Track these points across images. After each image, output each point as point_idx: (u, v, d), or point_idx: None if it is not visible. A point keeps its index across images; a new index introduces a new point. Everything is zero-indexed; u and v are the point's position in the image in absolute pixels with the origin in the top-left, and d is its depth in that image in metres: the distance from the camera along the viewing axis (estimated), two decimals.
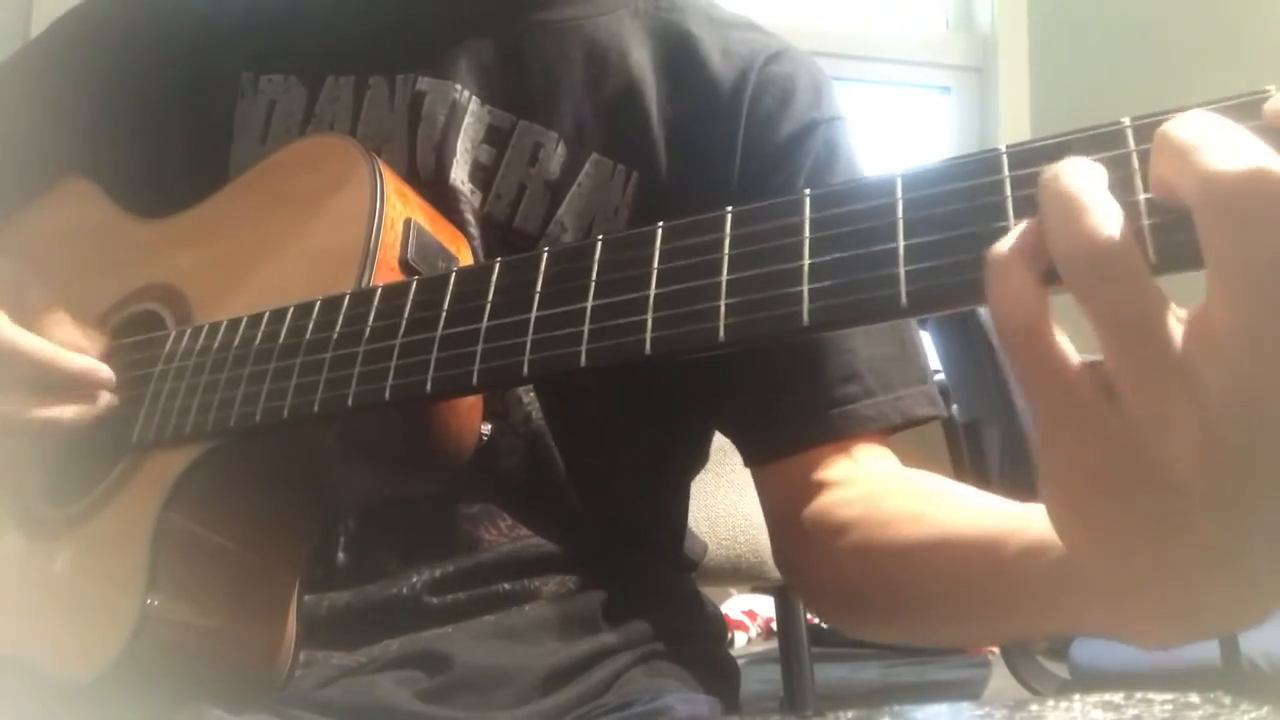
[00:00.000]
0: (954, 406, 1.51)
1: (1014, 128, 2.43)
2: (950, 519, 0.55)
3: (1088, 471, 0.36)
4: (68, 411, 0.60)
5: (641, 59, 0.74)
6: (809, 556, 0.67)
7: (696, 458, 0.81)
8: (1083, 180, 0.34)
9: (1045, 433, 0.36)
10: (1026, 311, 0.34)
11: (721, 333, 0.41)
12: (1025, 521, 0.48)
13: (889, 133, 2.50)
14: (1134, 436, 0.34)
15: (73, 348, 0.62)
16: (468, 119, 0.71)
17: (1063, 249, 0.33)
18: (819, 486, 0.67)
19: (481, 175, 0.71)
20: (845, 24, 2.52)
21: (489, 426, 0.66)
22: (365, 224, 0.57)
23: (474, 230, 0.69)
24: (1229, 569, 0.35)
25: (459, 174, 0.70)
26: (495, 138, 0.71)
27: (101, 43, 0.79)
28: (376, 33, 0.75)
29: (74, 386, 0.61)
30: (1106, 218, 0.33)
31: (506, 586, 0.68)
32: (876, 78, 2.52)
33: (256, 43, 0.76)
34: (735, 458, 0.75)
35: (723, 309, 0.41)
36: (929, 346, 1.29)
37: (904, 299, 0.38)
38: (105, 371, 0.62)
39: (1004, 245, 0.35)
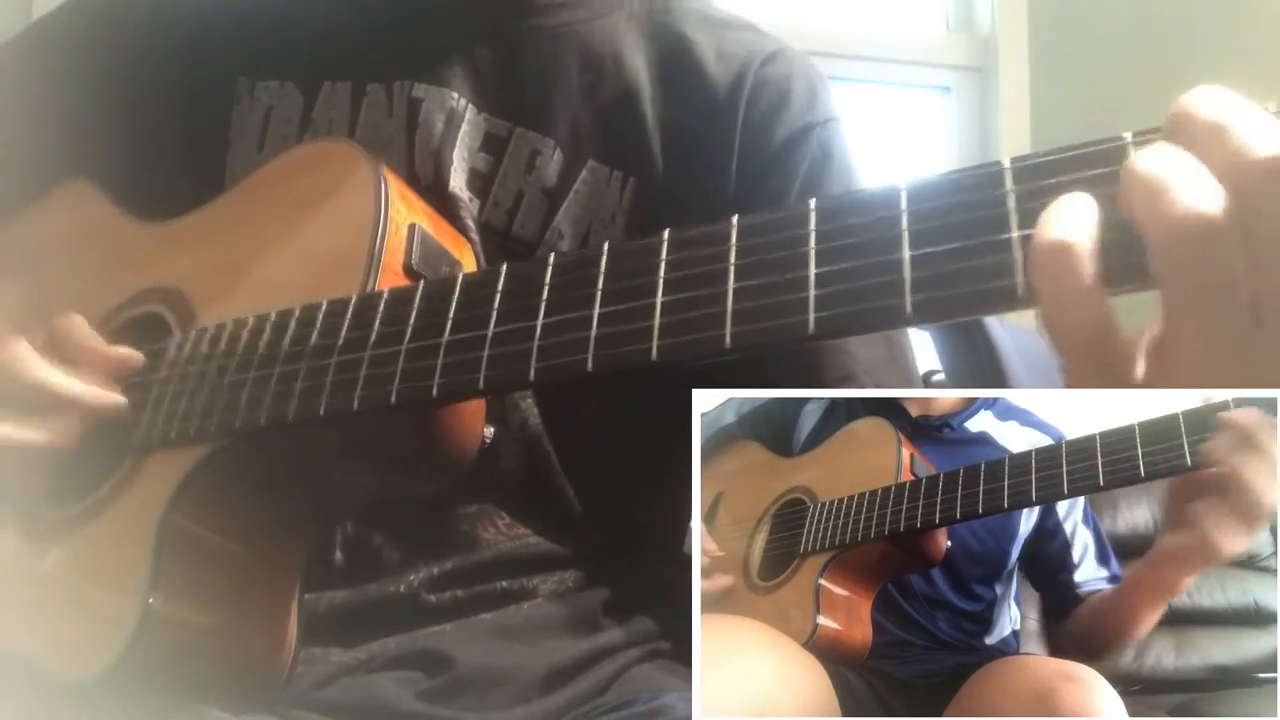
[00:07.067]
0: None
1: (1014, 128, 2.42)
2: None
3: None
4: (41, 436, 0.60)
5: (637, 64, 0.74)
6: None
7: None
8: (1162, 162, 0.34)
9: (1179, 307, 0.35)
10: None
11: (728, 340, 0.42)
12: None
13: (889, 133, 2.50)
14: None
15: (87, 354, 0.62)
16: (464, 127, 0.71)
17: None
18: None
19: (479, 183, 0.71)
20: (845, 24, 2.51)
21: (491, 430, 0.67)
22: (370, 228, 0.58)
23: (474, 237, 0.69)
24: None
25: (457, 181, 0.70)
26: (492, 146, 0.72)
27: (92, 46, 0.78)
28: (372, 39, 0.74)
29: (60, 409, 0.60)
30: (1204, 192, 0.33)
31: (505, 584, 0.68)
32: (877, 78, 2.51)
33: (251, 48, 0.75)
34: None
35: (729, 317, 0.42)
36: (930, 347, 1.29)
37: (909, 309, 0.38)
38: (94, 395, 0.61)
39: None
